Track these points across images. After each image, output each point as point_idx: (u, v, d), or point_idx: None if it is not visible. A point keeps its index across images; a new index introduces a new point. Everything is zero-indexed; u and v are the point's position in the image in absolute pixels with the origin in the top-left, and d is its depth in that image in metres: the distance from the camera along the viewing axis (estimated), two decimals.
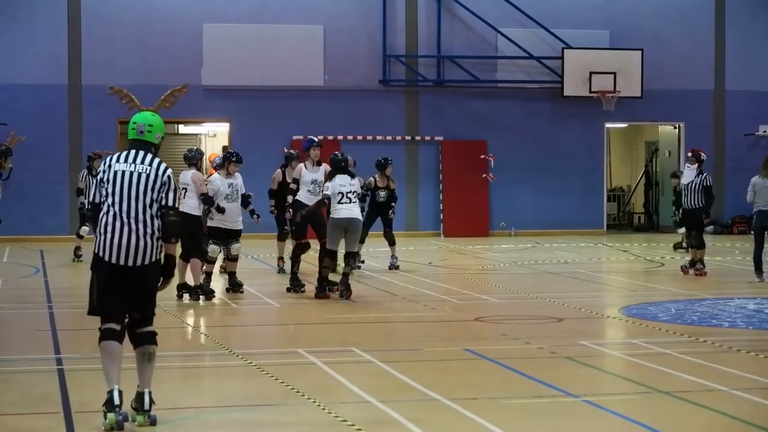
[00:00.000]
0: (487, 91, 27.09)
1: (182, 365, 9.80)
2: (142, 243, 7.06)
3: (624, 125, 29.32)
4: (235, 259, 14.23)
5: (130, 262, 7.05)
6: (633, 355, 10.03)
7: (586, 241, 24.22)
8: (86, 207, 16.18)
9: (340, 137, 25.92)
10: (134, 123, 7.26)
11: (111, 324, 7.08)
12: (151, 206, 7.13)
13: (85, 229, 18.44)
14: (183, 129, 31.19)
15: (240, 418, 7.67)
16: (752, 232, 16.50)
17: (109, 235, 7.05)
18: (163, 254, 7.46)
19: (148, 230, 7.10)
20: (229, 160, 14.49)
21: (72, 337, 11.06)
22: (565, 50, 26.37)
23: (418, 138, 26.72)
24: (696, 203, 16.87)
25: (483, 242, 23.79)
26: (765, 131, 28.16)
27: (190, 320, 12.40)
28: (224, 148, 27.61)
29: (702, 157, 17.25)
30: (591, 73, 26.56)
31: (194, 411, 7.94)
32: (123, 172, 7.21)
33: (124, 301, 7.09)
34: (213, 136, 30.68)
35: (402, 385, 8.58)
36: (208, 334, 11.53)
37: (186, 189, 13.57)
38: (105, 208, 7.11)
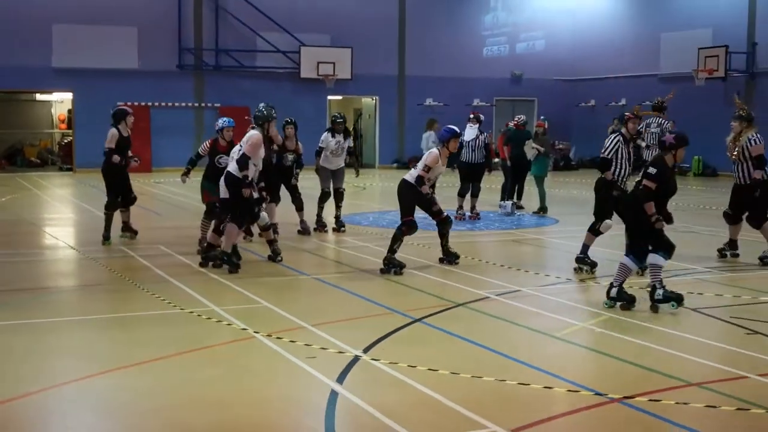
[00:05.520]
0: (250, 74, 31.00)
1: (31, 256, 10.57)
2: None
3: (340, 98, 33.28)
4: (264, 228, 11.49)
5: None
6: (346, 247, 11.48)
7: None
8: None
9: (149, 104, 29.97)
10: None
11: None
12: None
13: None
14: (39, 96, 33.88)
15: None
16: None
17: None
18: None
19: None
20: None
21: None
22: (302, 47, 30.97)
23: (204, 105, 30.74)
24: (477, 159, 16.63)
25: None
26: (429, 102, 33.27)
27: (52, 231, 13.99)
28: (69, 111, 30.79)
29: (481, 118, 17.02)
30: (318, 63, 30.94)
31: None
32: None
33: None
34: (61, 102, 33.99)
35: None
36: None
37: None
38: None
